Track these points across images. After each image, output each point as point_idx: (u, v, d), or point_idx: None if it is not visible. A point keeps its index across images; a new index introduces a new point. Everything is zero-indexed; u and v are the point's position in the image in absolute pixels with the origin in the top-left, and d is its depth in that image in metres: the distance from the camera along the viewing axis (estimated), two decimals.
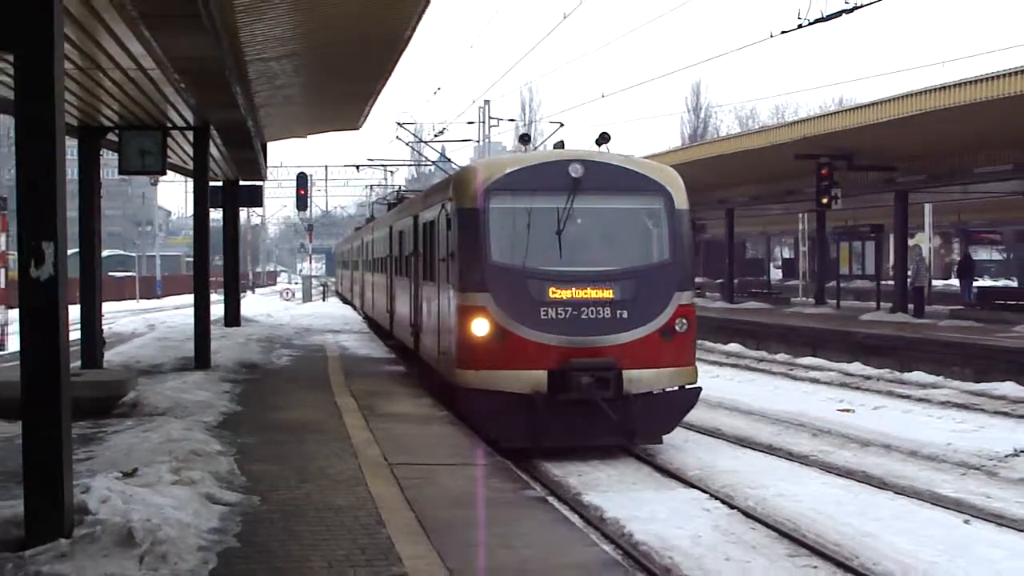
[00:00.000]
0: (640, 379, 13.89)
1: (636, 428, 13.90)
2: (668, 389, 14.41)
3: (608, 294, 13.98)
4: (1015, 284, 51.56)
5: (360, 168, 64.24)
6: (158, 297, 73.49)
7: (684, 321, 14.30)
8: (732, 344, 31.22)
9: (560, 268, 14.16)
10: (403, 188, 44.94)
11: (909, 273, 34.17)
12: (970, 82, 23.11)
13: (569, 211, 14.24)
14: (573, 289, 13.92)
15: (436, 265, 16.48)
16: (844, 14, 17.67)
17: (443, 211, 15.73)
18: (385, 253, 27.34)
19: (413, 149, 51.87)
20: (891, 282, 36.56)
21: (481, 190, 14.40)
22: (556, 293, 13.89)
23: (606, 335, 13.89)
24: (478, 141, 56.50)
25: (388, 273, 26.19)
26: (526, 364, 13.73)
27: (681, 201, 14.72)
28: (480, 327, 13.93)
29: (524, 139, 16.52)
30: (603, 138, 15.91)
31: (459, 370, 14.30)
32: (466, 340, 14.12)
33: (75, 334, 12.63)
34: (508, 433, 13.64)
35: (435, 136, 51.52)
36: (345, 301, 56.43)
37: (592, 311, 13.90)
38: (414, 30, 16.11)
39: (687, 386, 14.54)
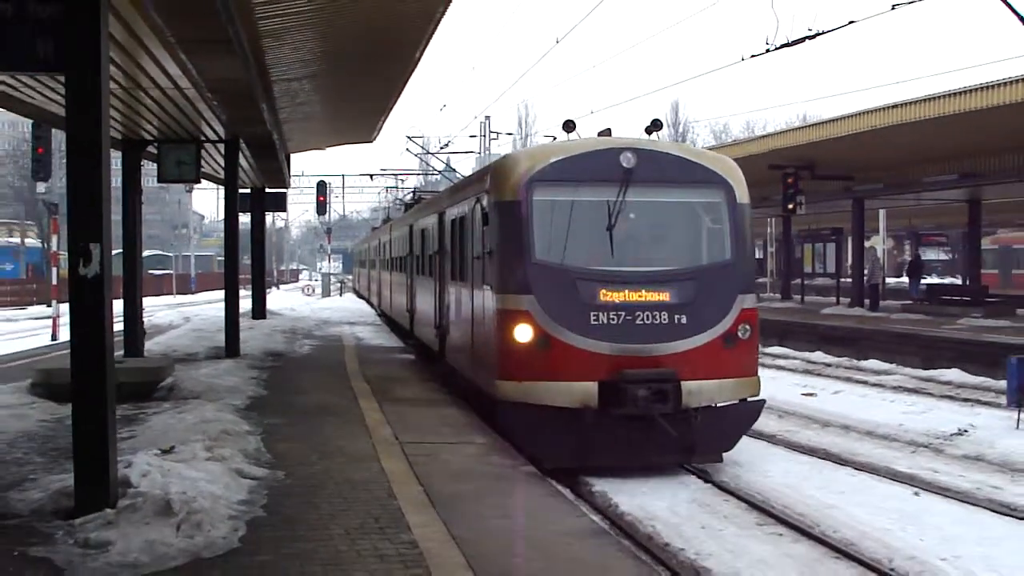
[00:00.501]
0: (700, 391, 11.52)
1: (695, 445, 11.60)
2: (730, 402, 12.09)
3: (664, 297, 11.57)
4: (959, 282, 51.52)
5: (374, 177, 64.48)
6: (192, 293, 73.42)
7: (747, 327, 11.93)
8: None
9: (612, 268, 11.73)
10: (419, 189, 41.79)
11: (865, 272, 34.27)
12: (919, 101, 23.15)
13: (621, 204, 11.79)
14: (626, 291, 11.51)
15: (468, 264, 13.95)
16: (807, 40, 17.64)
17: (478, 205, 13.19)
18: (405, 252, 24.44)
19: (421, 160, 51.81)
20: (849, 280, 36.60)
21: (524, 181, 11.90)
22: (607, 296, 11.48)
23: (663, 342, 11.47)
24: (479, 153, 56.48)
25: (409, 272, 23.48)
26: (574, 375, 11.34)
27: (742, 194, 12.34)
28: (523, 333, 11.48)
29: (568, 126, 13.55)
30: (655, 125, 13.06)
31: (498, 381, 11.83)
32: (506, 348, 11.69)
33: (119, 326, 12.64)
34: (553, 451, 11.35)
35: (441, 148, 51.47)
36: (361, 298, 54.50)
37: (647, 316, 11.47)
38: (422, 53, 16.12)
39: (749, 398, 12.26)
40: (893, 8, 16.73)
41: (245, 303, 24.86)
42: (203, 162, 19.69)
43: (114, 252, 8.80)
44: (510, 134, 64.07)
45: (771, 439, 14.33)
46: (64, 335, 22.71)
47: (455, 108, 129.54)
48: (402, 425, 12.22)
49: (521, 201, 11.85)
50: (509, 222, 11.98)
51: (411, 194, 38.82)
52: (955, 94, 21.84)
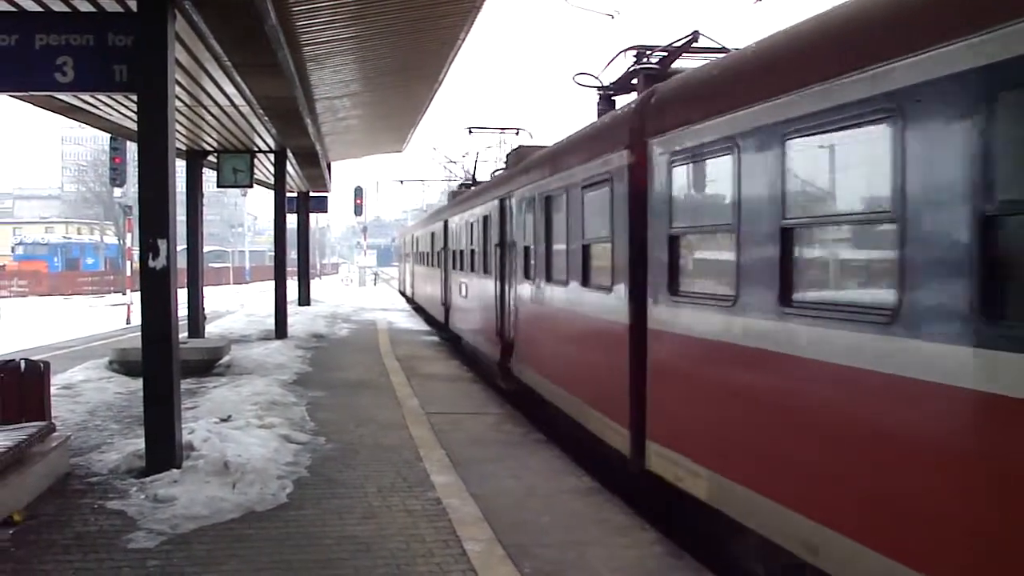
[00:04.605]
0: None
1: None
2: None
3: None
4: None
5: (403, 183, 64.56)
6: (247, 283, 73.68)
7: None
8: None
9: None
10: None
11: None
12: None
13: None
14: None
15: None
16: None
17: None
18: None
19: (445, 168, 51.81)
20: None
21: None
22: None
23: None
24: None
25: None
26: None
27: None
28: None
29: None
30: None
31: None
32: None
33: (183, 311, 12.72)
34: None
35: (462, 157, 51.41)
36: (418, 309, 32.74)
37: None
38: (446, 73, 16.16)
39: None
40: None
41: (292, 292, 24.97)
42: (256, 169, 19.78)
43: (179, 248, 8.87)
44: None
45: None
46: (137, 319, 22.85)
47: (474, 122, 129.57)
48: (428, 398, 12.27)
49: None
50: None
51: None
52: None
